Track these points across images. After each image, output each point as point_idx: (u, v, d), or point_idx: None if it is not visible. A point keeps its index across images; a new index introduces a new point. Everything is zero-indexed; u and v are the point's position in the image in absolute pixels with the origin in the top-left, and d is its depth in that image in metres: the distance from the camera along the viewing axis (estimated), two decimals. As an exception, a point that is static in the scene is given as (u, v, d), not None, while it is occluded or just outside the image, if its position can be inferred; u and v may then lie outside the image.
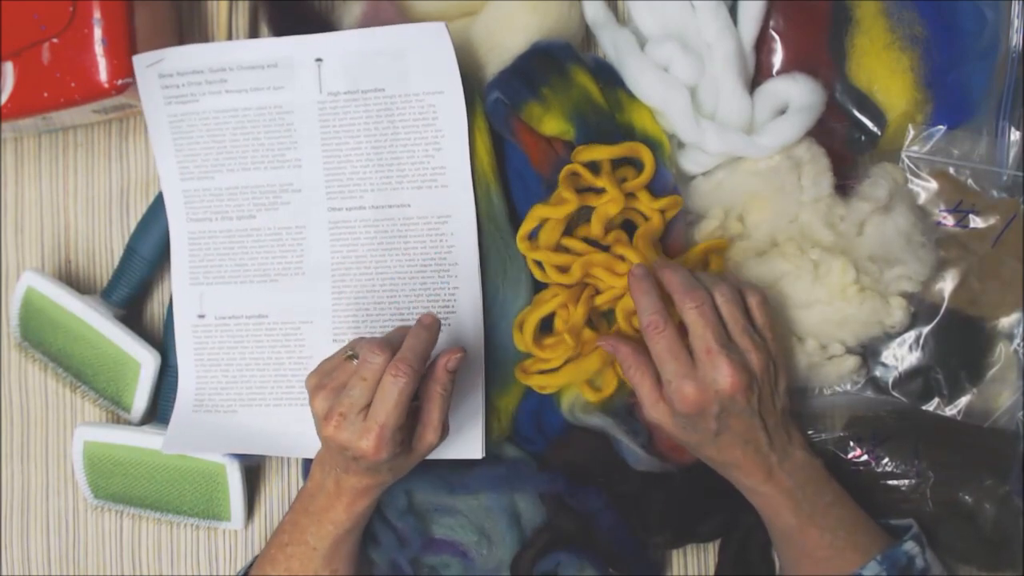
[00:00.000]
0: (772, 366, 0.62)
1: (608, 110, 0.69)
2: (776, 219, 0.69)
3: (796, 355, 0.68)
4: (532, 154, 0.69)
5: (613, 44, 0.71)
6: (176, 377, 0.75)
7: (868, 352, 0.70)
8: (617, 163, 0.69)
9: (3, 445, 0.81)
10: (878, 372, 0.69)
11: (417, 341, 0.60)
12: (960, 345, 0.68)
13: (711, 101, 0.69)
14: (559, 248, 0.67)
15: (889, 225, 0.67)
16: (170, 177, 0.74)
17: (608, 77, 0.70)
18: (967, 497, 0.67)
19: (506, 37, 0.70)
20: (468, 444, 0.69)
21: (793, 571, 0.65)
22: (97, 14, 0.70)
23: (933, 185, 0.69)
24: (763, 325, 0.63)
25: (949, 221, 0.69)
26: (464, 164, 0.69)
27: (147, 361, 0.74)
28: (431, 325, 0.62)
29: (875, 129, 0.69)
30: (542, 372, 0.68)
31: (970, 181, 0.69)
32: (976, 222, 0.69)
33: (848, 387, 0.70)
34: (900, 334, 0.69)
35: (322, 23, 0.74)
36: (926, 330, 0.68)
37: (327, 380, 0.62)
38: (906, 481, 0.68)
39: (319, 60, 0.70)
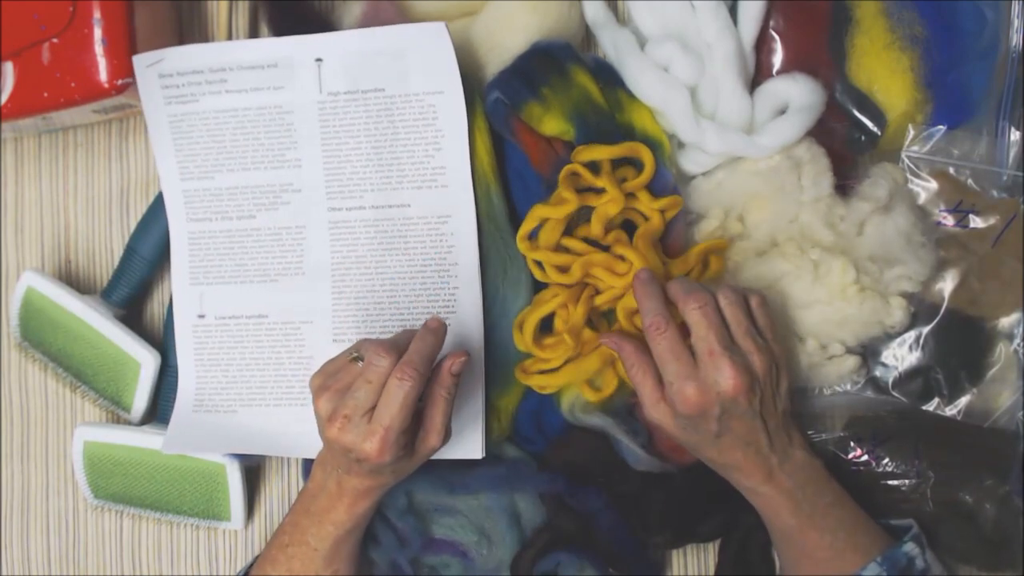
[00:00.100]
0: (774, 368, 0.62)
1: (608, 110, 0.69)
2: (776, 219, 0.69)
3: (796, 355, 0.68)
4: (532, 154, 0.69)
5: (613, 44, 0.71)
6: (176, 377, 0.75)
7: (868, 352, 0.70)
8: (617, 163, 0.69)
9: (3, 445, 0.81)
10: (878, 372, 0.69)
11: (424, 345, 0.60)
12: (960, 345, 0.68)
13: (711, 101, 0.69)
14: (559, 248, 0.67)
15: (889, 225, 0.67)
16: (170, 177, 0.74)
17: (608, 77, 0.70)
18: (967, 497, 0.67)
19: (506, 37, 0.70)
20: (468, 444, 0.69)
21: (793, 571, 0.65)
22: (97, 14, 0.70)
23: (933, 185, 0.69)
24: (765, 326, 0.63)
25: (949, 221, 0.69)
26: (464, 164, 0.69)
27: (147, 361, 0.74)
28: (438, 329, 0.62)
29: (875, 129, 0.69)
30: (542, 372, 0.68)
31: (970, 181, 0.69)
32: (976, 222, 0.69)
33: (848, 387, 0.70)
34: (900, 334, 0.69)
35: (322, 23, 0.74)
36: (926, 330, 0.68)
37: (331, 381, 0.62)
38: (906, 481, 0.68)
39: (319, 60, 0.70)
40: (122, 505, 0.77)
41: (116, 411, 0.77)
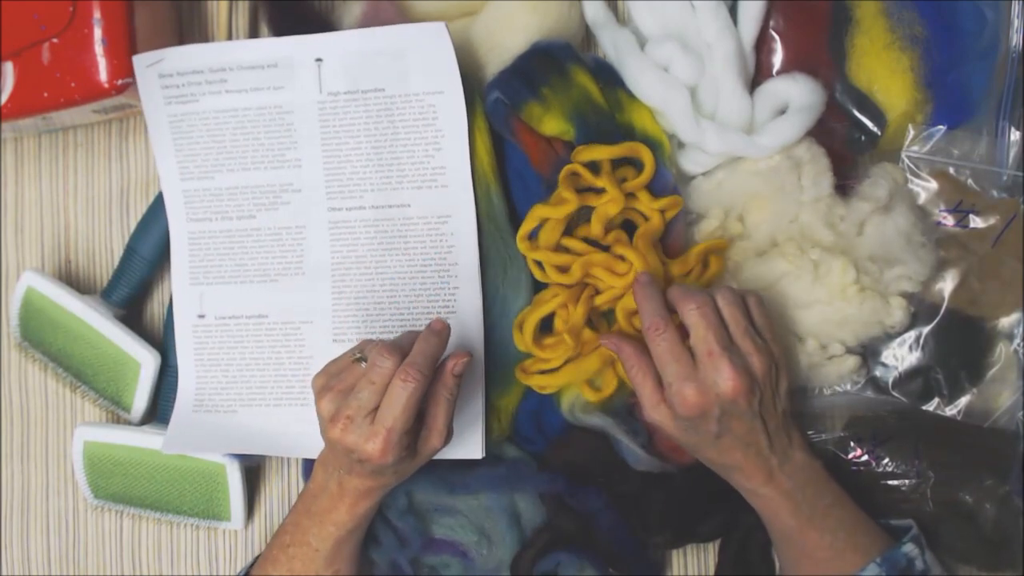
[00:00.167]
0: (774, 368, 0.62)
1: (608, 110, 0.69)
2: (776, 219, 0.69)
3: (796, 355, 0.68)
4: (532, 154, 0.69)
5: (613, 44, 0.71)
6: (176, 377, 0.75)
7: (868, 352, 0.70)
8: (617, 163, 0.69)
9: (3, 445, 0.81)
10: (878, 372, 0.69)
11: (427, 346, 0.60)
12: (960, 345, 0.68)
13: (711, 101, 0.69)
14: (559, 248, 0.67)
15: (889, 225, 0.67)
16: (170, 177, 0.74)
17: (608, 77, 0.70)
18: (967, 497, 0.67)
19: (506, 37, 0.70)
20: (468, 444, 0.69)
21: (793, 572, 0.65)
22: (97, 14, 0.70)
23: (933, 185, 0.69)
24: (763, 326, 0.63)
25: (949, 221, 0.69)
26: (464, 164, 0.69)
27: (147, 361, 0.74)
28: (442, 331, 0.62)
29: (875, 129, 0.69)
30: (542, 372, 0.68)
31: (970, 181, 0.69)
32: (976, 222, 0.69)
33: (848, 387, 0.70)
34: (900, 334, 0.69)
35: (322, 23, 0.74)
36: (926, 330, 0.68)
37: (334, 382, 0.62)
38: (906, 481, 0.68)
39: (319, 60, 0.70)
40: (122, 505, 0.78)
41: (116, 411, 0.77)
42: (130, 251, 0.76)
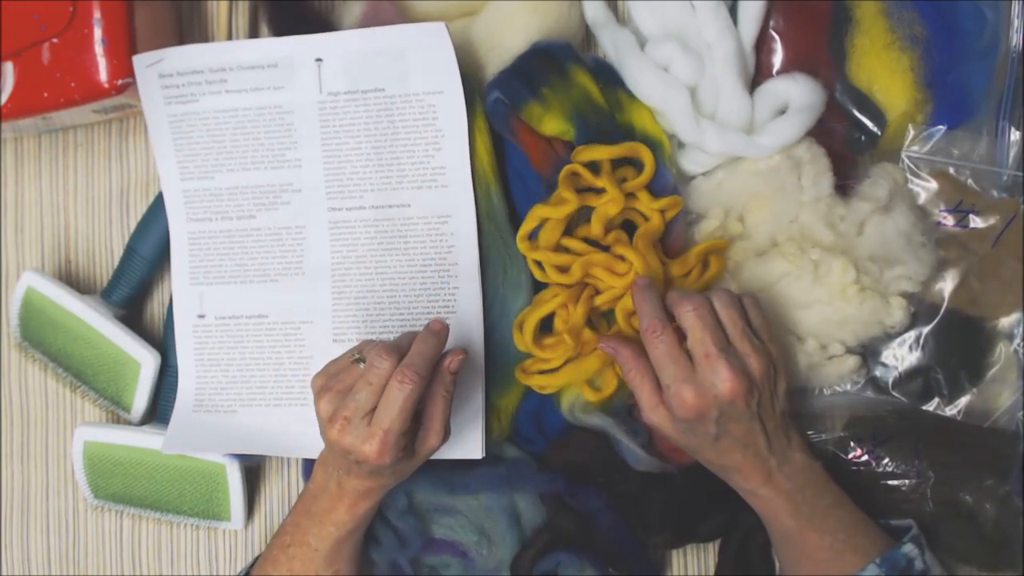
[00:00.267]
0: (772, 369, 0.62)
1: (608, 110, 0.69)
2: (776, 219, 0.69)
3: (796, 355, 0.68)
4: (532, 154, 0.69)
5: (613, 44, 0.71)
6: (176, 377, 0.75)
7: (868, 352, 0.70)
8: (617, 163, 0.69)
9: (3, 445, 0.81)
10: (878, 372, 0.69)
11: (425, 347, 0.60)
12: (960, 345, 0.68)
13: (711, 101, 0.69)
14: (559, 248, 0.67)
15: (889, 225, 0.67)
16: (170, 177, 0.74)
17: (608, 77, 0.70)
18: (967, 497, 0.67)
19: (506, 37, 0.70)
20: (468, 444, 0.69)
21: (793, 572, 0.65)
22: (97, 14, 0.70)
23: (933, 185, 0.69)
24: (760, 327, 0.63)
25: (949, 221, 0.69)
26: (464, 164, 0.69)
27: (147, 361, 0.74)
28: (440, 331, 0.62)
29: (875, 129, 0.69)
30: (542, 372, 0.68)
31: (970, 181, 0.69)
32: (976, 222, 0.69)
33: (848, 387, 0.70)
34: (900, 334, 0.69)
35: (322, 23, 0.74)
36: (926, 330, 0.68)
37: (333, 382, 0.62)
38: (906, 481, 0.68)
39: (319, 60, 0.70)
40: (122, 505, 0.78)
41: (116, 411, 0.77)
42: (130, 251, 0.76)
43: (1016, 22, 0.69)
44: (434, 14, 0.72)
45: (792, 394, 0.66)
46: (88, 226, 0.81)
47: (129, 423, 0.77)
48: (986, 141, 0.69)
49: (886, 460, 0.68)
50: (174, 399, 0.75)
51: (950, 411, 0.68)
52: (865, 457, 0.69)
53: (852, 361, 0.68)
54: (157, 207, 0.76)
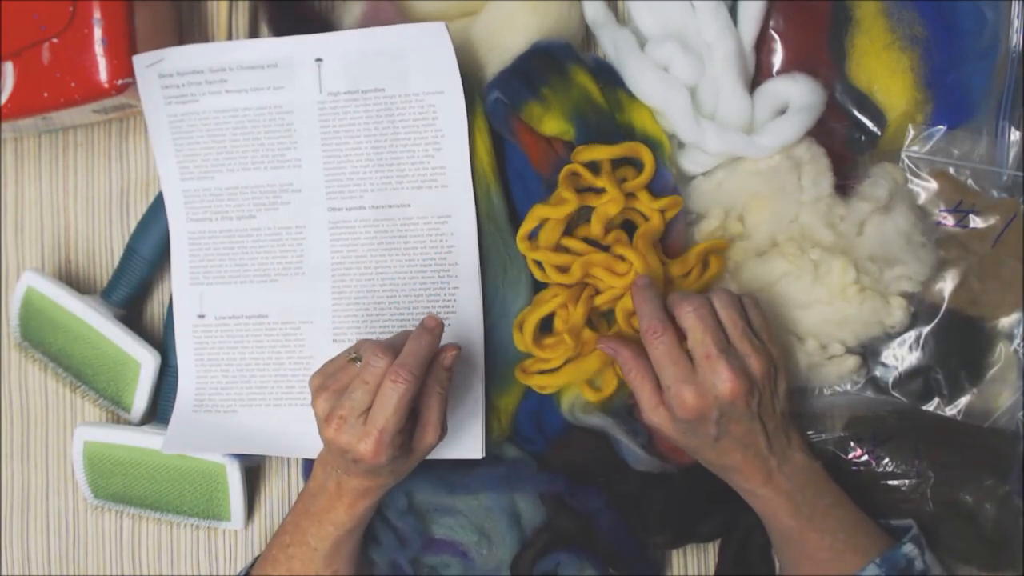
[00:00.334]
0: (772, 369, 0.62)
1: (608, 110, 0.69)
2: (776, 219, 0.69)
3: (796, 355, 0.68)
4: (532, 154, 0.69)
5: (613, 44, 0.71)
6: (176, 377, 0.75)
7: (868, 352, 0.70)
8: (617, 163, 0.69)
9: (3, 445, 0.81)
10: (878, 372, 0.69)
11: (419, 345, 0.60)
12: (960, 345, 0.68)
13: (711, 101, 0.69)
14: (559, 248, 0.67)
15: (889, 225, 0.67)
16: (170, 177, 0.74)
17: (608, 77, 0.70)
18: (967, 497, 0.67)
19: (506, 37, 0.70)
20: (468, 444, 0.68)
21: (793, 572, 0.65)
22: (97, 14, 0.70)
23: (933, 185, 0.69)
24: (760, 327, 0.63)
25: (949, 221, 0.69)
26: (464, 164, 0.69)
27: (147, 361, 0.74)
28: (435, 328, 0.62)
29: (875, 129, 0.69)
30: (542, 372, 0.68)
31: (970, 181, 0.69)
32: (976, 222, 0.69)
33: (848, 387, 0.70)
34: (900, 334, 0.69)
35: (322, 23, 0.74)
36: (926, 330, 0.68)
37: (330, 381, 0.62)
38: (906, 481, 0.68)
39: (319, 60, 0.70)
40: (122, 505, 0.78)
41: (116, 411, 0.77)
42: (130, 251, 0.76)
43: (1016, 22, 0.69)
44: (434, 14, 0.72)
45: (792, 394, 0.66)
46: (88, 226, 0.81)
47: (129, 423, 0.77)
48: (986, 141, 0.69)
49: (886, 460, 0.68)
50: (174, 399, 0.75)
51: (950, 411, 0.68)
52: (865, 457, 0.69)
53: (852, 361, 0.68)
54: (157, 207, 0.76)
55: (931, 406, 0.69)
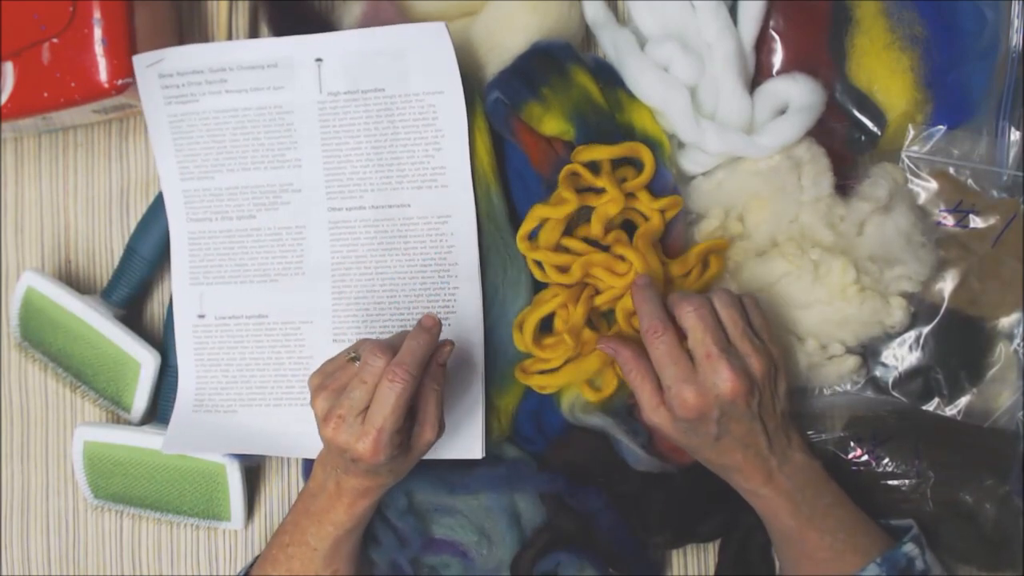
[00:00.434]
0: (772, 369, 0.62)
1: (608, 110, 0.69)
2: (776, 219, 0.69)
3: (796, 355, 0.68)
4: (532, 154, 0.69)
5: (613, 44, 0.71)
6: (176, 377, 0.75)
7: (868, 352, 0.70)
8: (617, 163, 0.69)
9: (3, 445, 0.81)
10: (878, 372, 0.69)
11: (416, 344, 0.60)
12: (960, 345, 0.68)
13: (711, 101, 0.69)
14: (559, 248, 0.67)
15: (889, 225, 0.67)
16: (170, 177, 0.74)
17: (608, 77, 0.70)
18: (967, 497, 0.67)
19: (506, 37, 0.70)
20: (468, 444, 0.68)
21: (793, 572, 0.65)
22: (97, 14, 0.70)
23: (933, 185, 0.69)
24: (760, 327, 0.63)
25: (949, 221, 0.69)
26: (464, 164, 0.69)
27: (147, 361, 0.74)
28: (432, 327, 0.62)
29: (875, 129, 0.69)
30: (542, 372, 0.68)
31: (970, 181, 0.69)
32: (976, 222, 0.69)
33: (848, 387, 0.70)
34: (900, 334, 0.69)
35: (322, 23, 0.74)
36: (926, 330, 0.68)
37: (329, 381, 0.62)
38: (906, 481, 0.68)
39: (319, 60, 0.70)
40: (122, 505, 0.78)
41: (116, 411, 0.77)
42: (130, 251, 0.76)
43: (1016, 22, 0.69)
44: (434, 14, 0.72)
45: (792, 394, 0.66)
46: (88, 226, 0.81)
47: (129, 423, 0.77)
48: (986, 141, 0.69)
49: (886, 460, 0.68)
50: (174, 399, 0.75)
51: (950, 411, 0.68)
52: (865, 457, 0.69)
53: (852, 361, 0.68)
54: (157, 207, 0.76)
55: (931, 406, 0.69)
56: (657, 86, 0.68)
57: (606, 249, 0.67)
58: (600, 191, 0.67)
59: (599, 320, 0.70)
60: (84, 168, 0.81)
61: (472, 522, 0.71)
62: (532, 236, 0.68)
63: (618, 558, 0.70)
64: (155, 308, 0.80)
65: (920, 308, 0.69)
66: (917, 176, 0.69)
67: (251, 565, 0.70)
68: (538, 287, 0.70)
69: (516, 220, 0.70)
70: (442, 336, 0.63)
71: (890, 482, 0.68)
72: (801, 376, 0.68)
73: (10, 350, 0.81)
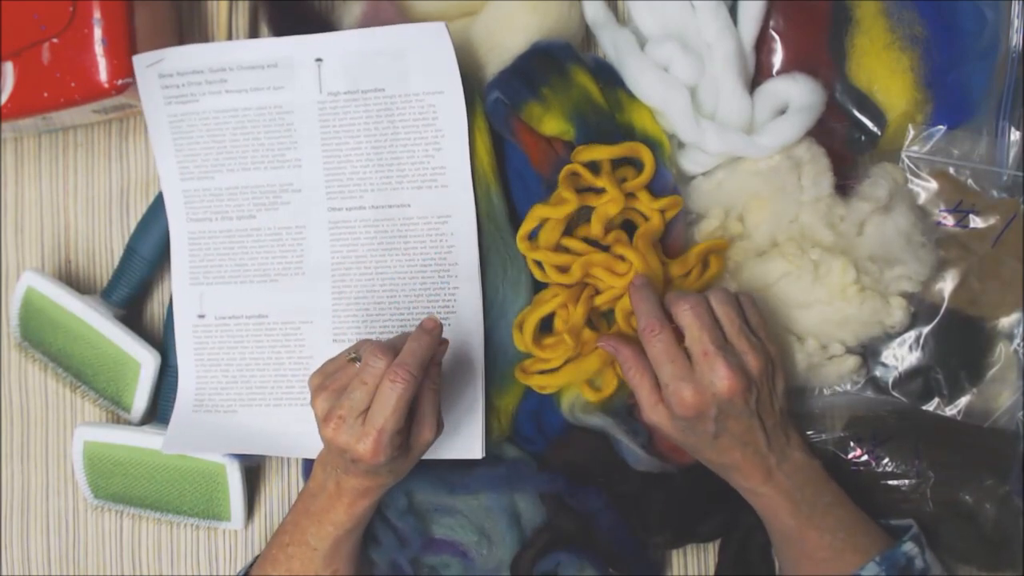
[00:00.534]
0: (770, 367, 0.62)
1: (608, 110, 0.69)
2: (776, 219, 0.69)
3: (796, 355, 0.68)
4: (532, 154, 0.69)
5: (613, 44, 0.71)
6: (176, 377, 0.75)
7: (868, 352, 0.70)
8: (617, 163, 0.69)
9: (3, 445, 0.81)
10: (878, 372, 0.69)
11: (418, 345, 0.60)
12: (960, 345, 0.68)
13: (711, 101, 0.69)
14: (559, 248, 0.67)
15: (889, 225, 0.67)
16: (170, 177, 0.74)
17: (608, 77, 0.70)
18: (967, 497, 0.67)
19: (506, 37, 0.70)
20: (468, 444, 0.69)
21: (792, 572, 0.65)
22: (97, 14, 0.70)
23: (933, 185, 0.69)
24: (757, 325, 0.63)
25: (949, 221, 0.69)
26: (464, 164, 0.69)
27: (147, 361, 0.74)
28: (433, 329, 0.62)
29: (875, 129, 0.69)
30: (542, 372, 0.68)
31: (970, 181, 0.69)
32: (976, 222, 0.69)
33: (848, 387, 0.70)
34: (900, 334, 0.69)
35: (322, 23, 0.74)
36: (926, 330, 0.68)
37: (329, 381, 0.62)
38: (906, 481, 0.68)
39: (319, 60, 0.70)
40: (122, 505, 0.78)
41: (116, 411, 0.77)
42: (130, 251, 0.76)
43: (1016, 22, 0.69)
44: (434, 14, 0.72)
45: (792, 394, 0.66)
46: (88, 226, 0.81)
47: (129, 423, 0.77)
48: (986, 141, 0.69)
49: (886, 460, 0.68)
50: (174, 399, 0.75)
51: (950, 411, 0.68)
52: (865, 457, 0.69)
53: (852, 361, 0.68)
54: (157, 207, 0.76)
55: (931, 406, 0.69)
56: (657, 86, 0.68)
57: (606, 249, 0.68)
58: (600, 191, 0.67)
59: (599, 320, 0.70)
60: (84, 168, 0.81)
61: (472, 522, 0.71)
62: (532, 236, 0.68)
63: (618, 558, 0.70)
64: (155, 308, 0.80)
65: (920, 308, 0.69)
66: (917, 176, 0.69)
67: (251, 565, 0.70)
68: (538, 287, 0.70)
69: (516, 220, 0.70)
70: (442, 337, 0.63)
71: (890, 482, 0.68)
72: (801, 376, 0.68)
73: (10, 350, 0.81)
